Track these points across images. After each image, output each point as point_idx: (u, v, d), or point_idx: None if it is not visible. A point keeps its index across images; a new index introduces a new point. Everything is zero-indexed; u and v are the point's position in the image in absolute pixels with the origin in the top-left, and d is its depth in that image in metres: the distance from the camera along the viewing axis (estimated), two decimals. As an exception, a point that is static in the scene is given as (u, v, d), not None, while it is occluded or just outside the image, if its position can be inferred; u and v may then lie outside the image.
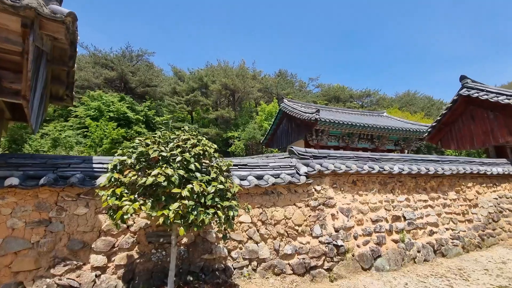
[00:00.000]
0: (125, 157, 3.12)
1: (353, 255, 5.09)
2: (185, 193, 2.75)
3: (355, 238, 5.30)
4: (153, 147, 3.03)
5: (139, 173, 2.99)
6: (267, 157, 6.32)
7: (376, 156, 6.43)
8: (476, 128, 9.89)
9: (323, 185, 5.36)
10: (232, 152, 28.93)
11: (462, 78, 10.30)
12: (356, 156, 6.14)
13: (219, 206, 3.00)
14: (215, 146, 3.57)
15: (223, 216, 2.99)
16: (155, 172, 2.77)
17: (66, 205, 3.54)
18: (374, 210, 5.78)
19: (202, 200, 2.91)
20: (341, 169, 5.43)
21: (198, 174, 3.05)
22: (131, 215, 2.76)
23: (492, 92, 9.24)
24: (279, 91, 34.55)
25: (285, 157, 5.95)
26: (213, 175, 3.14)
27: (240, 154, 28.51)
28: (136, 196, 2.91)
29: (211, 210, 2.94)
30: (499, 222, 7.29)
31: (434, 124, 11.19)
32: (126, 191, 2.88)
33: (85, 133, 25.83)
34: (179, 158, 2.95)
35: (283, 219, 4.83)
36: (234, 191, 3.25)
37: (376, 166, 5.88)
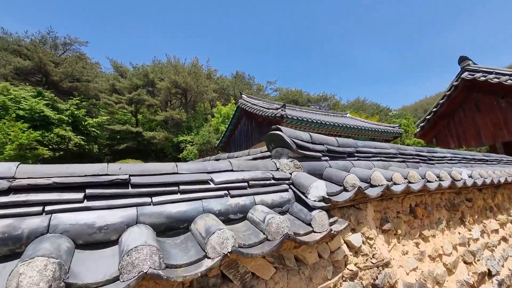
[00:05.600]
0: None
1: None
2: None
3: None
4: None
5: None
6: (217, 159, 2.80)
7: (425, 152, 3.31)
8: (483, 119, 7.66)
9: (365, 229, 1.95)
10: (184, 158, 24.46)
11: (462, 59, 8.07)
12: (400, 153, 2.92)
13: None
14: None
15: None
16: None
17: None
18: (452, 270, 2.57)
19: None
20: (397, 183, 2.12)
21: None
22: None
23: (505, 74, 7.03)
24: (236, 92, 31.19)
25: (256, 158, 2.44)
26: None
27: (193, 160, 24.20)
28: None
29: None
30: None
31: (428, 117, 8.82)
32: None
33: (-19, 137, 18.87)
34: None
35: None
36: None
37: (443, 173, 2.71)
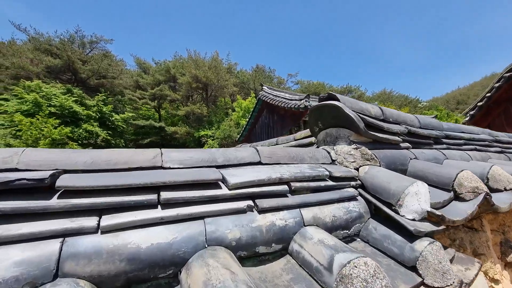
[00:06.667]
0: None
1: None
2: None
3: None
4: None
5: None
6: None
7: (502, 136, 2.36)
8: (555, 105, 6.28)
9: (488, 265, 1.15)
10: (205, 153, 24.32)
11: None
12: (496, 140, 2.01)
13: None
14: None
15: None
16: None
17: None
18: None
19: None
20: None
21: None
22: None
23: None
24: (256, 86, 30.46)
25: (298, 144, 1.70)
26: None
27: (213, 155, 23.93)
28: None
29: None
30: None
31: (480, 103, 7.50)
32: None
33: (17, 133, 19.76)
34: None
35: None
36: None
37: None
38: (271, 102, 13.60)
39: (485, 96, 7.33)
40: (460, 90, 60.48)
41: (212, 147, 24.25)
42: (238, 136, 20.92)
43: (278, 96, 13.47)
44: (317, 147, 1.34)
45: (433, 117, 11.94)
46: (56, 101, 20.37)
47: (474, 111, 7.57)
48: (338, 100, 1.20)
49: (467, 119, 7.75)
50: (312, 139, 1.67)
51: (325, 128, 1.33)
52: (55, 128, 19.35)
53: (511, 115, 7.06)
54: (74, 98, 21.39)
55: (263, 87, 15.52)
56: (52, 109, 20.44)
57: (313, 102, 13.06)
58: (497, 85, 7.10)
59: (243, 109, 25.12)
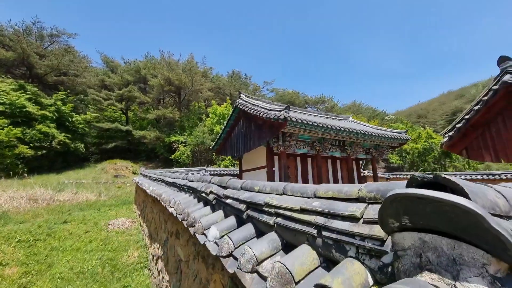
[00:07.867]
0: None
1: None
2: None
3: None
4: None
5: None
6: (223, 186, 1.42)
7: None
8: (527, 130, 6.48)
9: None
10: (176, 160, 22.90)
11: (503, 60, 6.88)
12: None
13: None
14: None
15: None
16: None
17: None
18: None
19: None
20: None
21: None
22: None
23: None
24: (232, 92, 29.85)
25: (326, 210, 1.08)
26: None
27: (185, 162, 22.65)
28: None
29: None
30: None
31: (459, 125, 7.61)
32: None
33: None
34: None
35: None
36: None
37: None
38: (248, 111, 13.03)
39: (463, 118, 7.46)
40: (420, 105, 65.65)
41: (184, 154, 22.95)
42: (213, 144, 20.02)
43: (256, 105, 12.96)
44: (396, 257, 0.73)
45: (404, 132, 12.05)
46: (5, 99, 17.86)
47: (452, 132, 7.68)
48: (464, 193, 0.61)
49: (445, 139, 7.84)
50: (356, 211, 1.06)
51: (417, 230, 0.73)
52: (2, 128, 16.97)
53: (488, 139, 7.23)
54: (28, 96, 18.96)
55: (241, 94, 14.94)
56: (1, 108, 17.83)
57: (292, 113, 12.70)
58: (476, 108, 7.25)
59: (218, 115, 24.28)
